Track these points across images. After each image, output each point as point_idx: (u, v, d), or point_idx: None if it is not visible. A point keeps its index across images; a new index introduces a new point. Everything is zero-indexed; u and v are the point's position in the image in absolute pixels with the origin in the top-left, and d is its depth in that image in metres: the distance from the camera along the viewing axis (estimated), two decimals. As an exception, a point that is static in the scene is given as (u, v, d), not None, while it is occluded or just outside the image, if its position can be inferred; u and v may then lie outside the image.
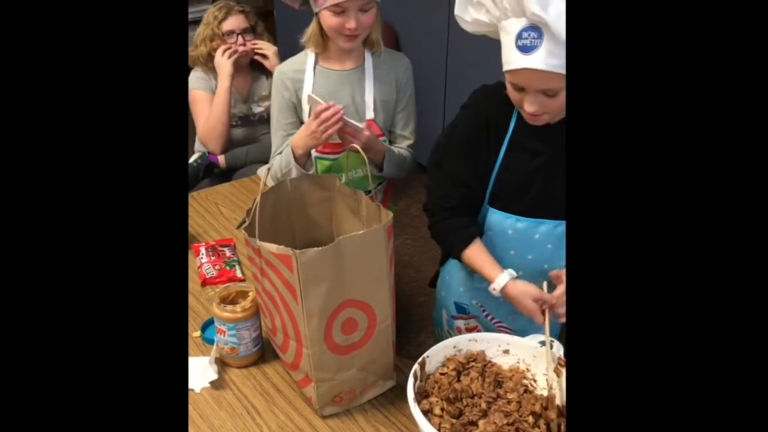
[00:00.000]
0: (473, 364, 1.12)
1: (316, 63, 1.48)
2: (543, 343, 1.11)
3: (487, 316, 1.37)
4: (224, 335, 1.23)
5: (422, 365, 1.08)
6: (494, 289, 1.20)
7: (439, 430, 1.00)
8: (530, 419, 1.02)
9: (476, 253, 1.24)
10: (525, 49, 1.02)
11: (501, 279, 1.20)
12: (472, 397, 1.07)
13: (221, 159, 2.16)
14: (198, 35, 2.15)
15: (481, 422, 1.02)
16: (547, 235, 1.22)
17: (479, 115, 1.23)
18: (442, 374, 1.09)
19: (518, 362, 1.14)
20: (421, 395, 1.06)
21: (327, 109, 1.32)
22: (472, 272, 1.34)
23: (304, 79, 1.47)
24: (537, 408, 1.03)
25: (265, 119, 2.23)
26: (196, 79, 2.16)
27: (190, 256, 1.60)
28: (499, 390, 1.08)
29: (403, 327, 1.34)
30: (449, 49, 2.96)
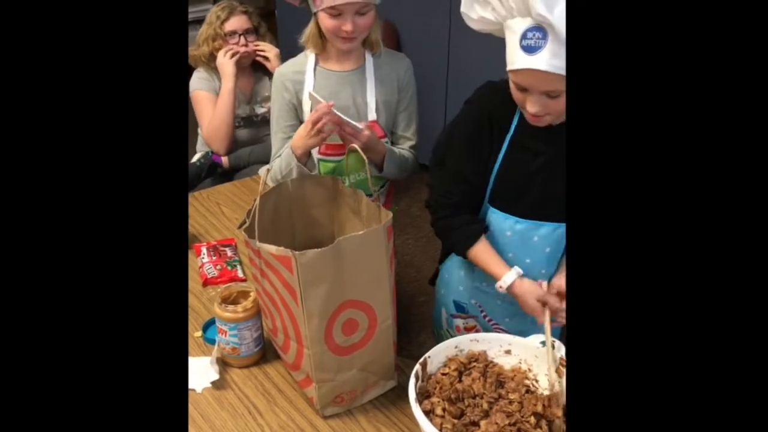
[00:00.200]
0: (475, 364, 1.12)
1: (316, 64, 1.48)
2: (544, 344, 1.11)
3: (485, 317, 1.37)
4: (225, 335, 1.23)
5: (424, 365, 1.08)
6: (501, 287, 1.20)
7: (440, 430, 0.99)
8: (532, 420, 1.02)
9: (482, 251, 1.24)
10: (529, 50, 1.02)
11: (508, 277, 1.20)
12: (474, 398, 1.06)
13: (225, 159, 2.17)
14: (201, 34, 2.15)
15: (482, 423, 1.02)
16: (546, 238, 1.22)
17: (482, 111, 1.23)
18: (443, 374, 1.09)
19: (520, 362, 1.13)
20: (423, 395, 1.06)
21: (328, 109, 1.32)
22: (471, 271, 1.34)
23: (305, 80, 1.47)
24: (539, 408, 1.03)
25: (267, 120, 2.22)
26: (198, 79, 2.16)
27: (192, 256, 1.60)
28: (500, 390, 1.08)
29: (404, 327, 1.34)
30: (450, 50, 2.96)
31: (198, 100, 2.16)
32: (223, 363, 1.27)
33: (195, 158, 2.18)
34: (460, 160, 1.25)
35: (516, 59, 1.04)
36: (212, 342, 1.30)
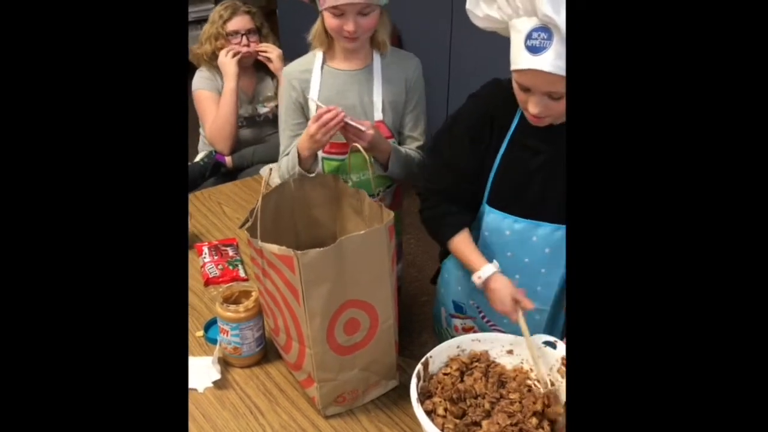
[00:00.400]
0: (476, 364, 1.12)
1: (323, 63, 1.48)
2: (547, 344, 1.11)
3: (483, 317, 1.37)
4: (227, 335, 1.23)
5: (425, 365, 1.08)
6: (479, 278, 1.20)
7: (442, 430, 0.99)
8: (533, 420, 1.01)
9: (463, 242, 1.24)
10: (534, 50, 1.01)
11: (487, 269, 1.19)
12: (476, 398, 1.06)
13: (228, 159, 2.17)
14: (204, 33, 2.15)
15: (484, 423, 1.02)
16: (545, 238, 1.21)
17: (486, 107, 1.22)
18: (445, 374, 1.09)
19: (522, 362, 1.13)
20: (425, 395, 1.06)
21: (328, 111, 1.32)
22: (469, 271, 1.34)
23: (311, 79, 1.47)
24: (539, 406, 1.03)
25: (270, 120, 2.23)
26: (201, 79, 2.16)
27: (194, 256, 1.61)
28: (502, 390, 1.08)
29: (405, 327, 1.34)
30: (452, 50, 2.96)
31: (201, 100, 2.16)
32: (224, 363, 1.27)
33: (198, 158, 2.18)
34: (457, 151, 1.24)
35: (520, 59, 1.04)
36: (214, 342, 1.30)
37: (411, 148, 1.52)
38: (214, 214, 1.83)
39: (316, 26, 1.45)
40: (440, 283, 1.46)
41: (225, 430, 1.14)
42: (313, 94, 1.45)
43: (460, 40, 2.86)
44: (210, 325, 1.37)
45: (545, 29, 0.99)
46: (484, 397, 1.06)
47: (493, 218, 1.24)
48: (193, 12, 4.30)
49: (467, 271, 1.34)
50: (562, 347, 1.10)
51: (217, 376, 1.22)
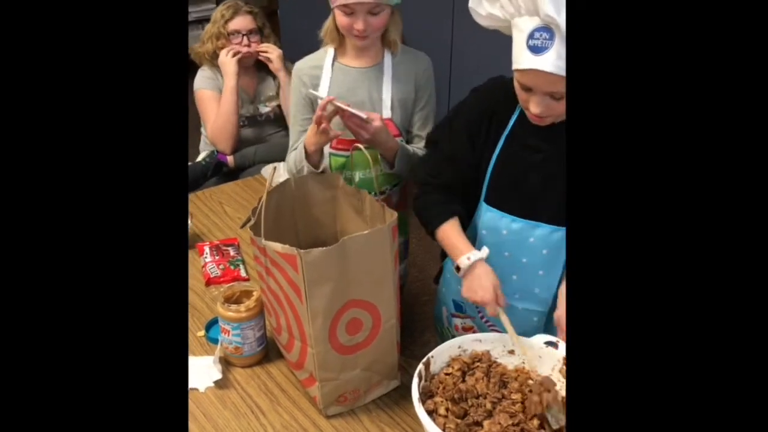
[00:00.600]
0: (478, 364, 1.11)
1: (334, 59, 1.48)
2: (548, 344, 1.11)
3: (482, 317, 1.37)
4: (228, 335, 1.23)
5: (427, 365, 1.08)
6: (470, 258, 1.17)
7: (443, 430, 0.99)
8: (535, 421, 1.01)
9: (452, 229, 1.23)
10: (536, 50, 1.01)
11: (476, 253, 1.18)
12: (477, 398, 1.06)
13: (230, 158, 2.17)
14: (206, 32, 2.16)
15: (485, 423, 1.02)
16: (543, 239, 1.20)
17: (488, 101, 1.22)
18: (446, 374, 1.09)
19: (523, 362, 1.13)
20: (426, 395, 1.06)
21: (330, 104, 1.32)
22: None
23: (321, 75, 1.48)
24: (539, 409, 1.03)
25: (272, 119, 2.23)
26: (203, 78, 2.16)
27: (195, 256, 1.60)
28: (503, 390, 1.08)
29: (407, 326, 1.34)
30: (453, 49, 2.96)
31: (202, 99, 2.16)
32: (225, 362, 1.27)
33: (200, 157, 2.18)
34: (456, 144, 1.24)
35: (522, 59, 1.04)
36: (215, 341, 1.30)
37: (419, 147, 1.52)
38: (215, 213, 1.83)
39: (328, 23, 1.45)
40: (442, 283, 1.46)
41: (226, 430, 1.14)
42: (323, 90, 1.46)
43: (462, 38, 2.86)
44: (211, 324, 1.37)
45: (547, 29, 0.99)
46: (485, 397, 1.06)
47: (490, 217, 1.24)
48: (194, 12, 4.30)
49: None
50: (563, 347, 1.10)
51: (219, 376, 1.22)
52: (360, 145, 1.27)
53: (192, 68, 2.17)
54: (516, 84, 1.11)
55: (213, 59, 2.14)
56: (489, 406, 1.05)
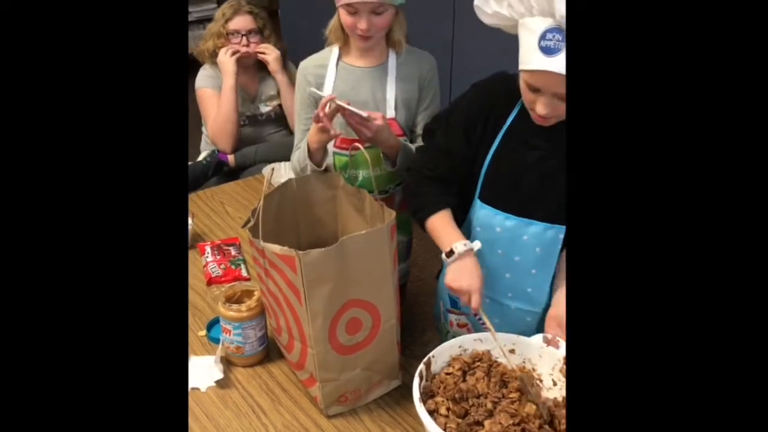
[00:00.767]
0: (479, 363, 1.11)
1: (339, 59, 1.49)
2: (545, 339, 1.11)
3: (476, 315, 1.37)
4: (230, 334, 1.23)
5: (428, 365, 1.08)
6: (465, 245, 1.16)
7: (444, 430, 0.99)
8: (536, 421, 1.01)
9: (443, 219, 1.22)
10: (548, 51, 0.99)
11: (471, 244, 1.17)
12: (478, 397, 1.06)
13: (231, 158, 2.17)
14: (208, 30, 2.17)
15: (486, 422, 1.02)
16: (536, 237, 1.19)
17: (488, 96, 1.22)
18: (447, 374, 1.09)
19: (524, 362, 1.13)
20: (427, 395, 1.06)
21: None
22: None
23: (326, 74, 1.48)
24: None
25: (272, 119, 2.23)
26: (204, 76, 2.17)
27: (196, 255, 1.61)
28: (504, 390, 1.08)
29: (407, 326, 1.34)
30: (454, 49, 2.95)
31: (203, 98, 2.16)
32: (227, 362, 1.27)
33: (201, 157, 2.18)
34: (452, 138, 1.24)
35: (532, 60, 1.02)
36: (216, 341, 1.30)
37: (420, 144, 1.52)
38: (216, 213, 1.83)
39: (333, 22, 1.46)
40: (440, 278, 1.46)
41: (227, 430, 1.14)
42: (327, 89, 1.46)
43: (463, 38, 2.86)
44: (212, 324, 1.37)
45: (560, 30, 0.98)
46: (486, 397, 1.06)
47: (484, 214, 1.23)
48: (195, 12, 4.30)
49: None
50: (563, 347, 1.10)
51: (220, 376, 1.22)
52: (360, 146, 1.27)
53: (195, 66, 2.17)
54: (523, 84, 1.09)
55: (214, 57, 2.14)
56: (490, 405, 1.05)
